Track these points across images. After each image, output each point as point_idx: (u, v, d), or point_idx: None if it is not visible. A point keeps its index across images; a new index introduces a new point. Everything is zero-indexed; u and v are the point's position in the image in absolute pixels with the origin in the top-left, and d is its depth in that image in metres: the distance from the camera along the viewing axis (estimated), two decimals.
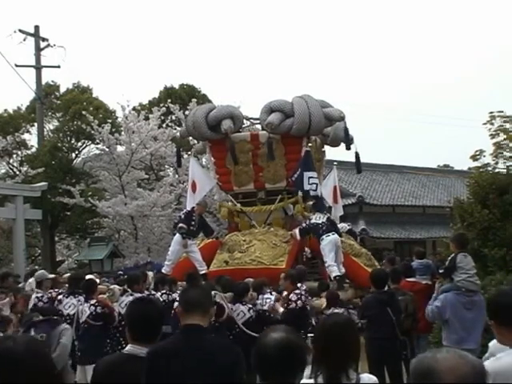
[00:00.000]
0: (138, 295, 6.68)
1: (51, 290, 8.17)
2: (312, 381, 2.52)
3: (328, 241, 9.43)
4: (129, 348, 2.96)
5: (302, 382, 2.50)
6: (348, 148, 11.45)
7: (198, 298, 3.12)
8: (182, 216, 10.46)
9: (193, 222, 10.23)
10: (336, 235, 9.59)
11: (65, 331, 5.43)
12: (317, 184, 10.35)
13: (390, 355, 6.42)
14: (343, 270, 9.61)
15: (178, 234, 10.25)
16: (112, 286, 7.93)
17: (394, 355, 6.51)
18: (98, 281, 9.10)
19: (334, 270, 9.26)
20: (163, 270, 10.20)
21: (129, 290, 7.37)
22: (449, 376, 1.62)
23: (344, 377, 2.51)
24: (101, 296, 7.17)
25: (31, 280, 10.77)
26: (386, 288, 6.73)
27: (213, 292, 6.20)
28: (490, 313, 3.14)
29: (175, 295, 7.42)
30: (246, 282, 7.85)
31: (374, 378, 2.70)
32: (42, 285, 8.31)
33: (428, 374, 1.66)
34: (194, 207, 10.62)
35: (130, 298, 6.58)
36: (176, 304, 6.97)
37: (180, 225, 10.20)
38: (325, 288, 8.35)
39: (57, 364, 5.00)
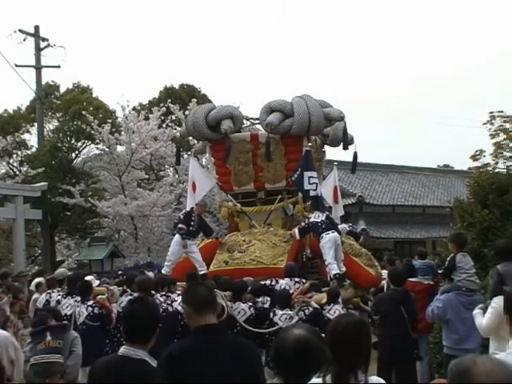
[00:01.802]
0: (137, 295, 6.65)
1: (49, 291, 8.12)
2: (320, 380, 2.51)
3: (328, 239, 9.39)
4: (123, 350, 2.95)
5: (310, 381, 2.51)
6: (345, 148, 11.42)
7: (208, 297, 3.05)
8: (182, 216, 10.43)
9: (192, 223, 10.19)
10: (336, 233, 9.56)
11: (76, 340, 5.30)
12: (317, 184, 10.32)
13: (401, 353, 6.42)
14: (344, 269, 9.57)
15: (177, 235, 10.22)
16: (111, 287, 7.91)
17: (405, 353, 6.51)
18: (96, 282, 9.09)
19: (334, 267, 9.22)
20: (163, 271, 10.16)
21: (128, 290, 7.36)
22: (483, 379, 1.65)
23: (352, 377, 2.50)
24: (99, 297, 7.15)
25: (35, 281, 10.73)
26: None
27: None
28: (506, 308, 3.34)
29: (174, 296, 7.40)
30: (244, 281, 7.88)
31: (382, 381, 2.69)
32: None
33: (464, 374, 1.70)
34: (193, 207, 10.60)
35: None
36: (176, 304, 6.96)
37: (179, 225, 10.17)
38: (326, 285, 8.40)
39: (69, 374, 4.95)
